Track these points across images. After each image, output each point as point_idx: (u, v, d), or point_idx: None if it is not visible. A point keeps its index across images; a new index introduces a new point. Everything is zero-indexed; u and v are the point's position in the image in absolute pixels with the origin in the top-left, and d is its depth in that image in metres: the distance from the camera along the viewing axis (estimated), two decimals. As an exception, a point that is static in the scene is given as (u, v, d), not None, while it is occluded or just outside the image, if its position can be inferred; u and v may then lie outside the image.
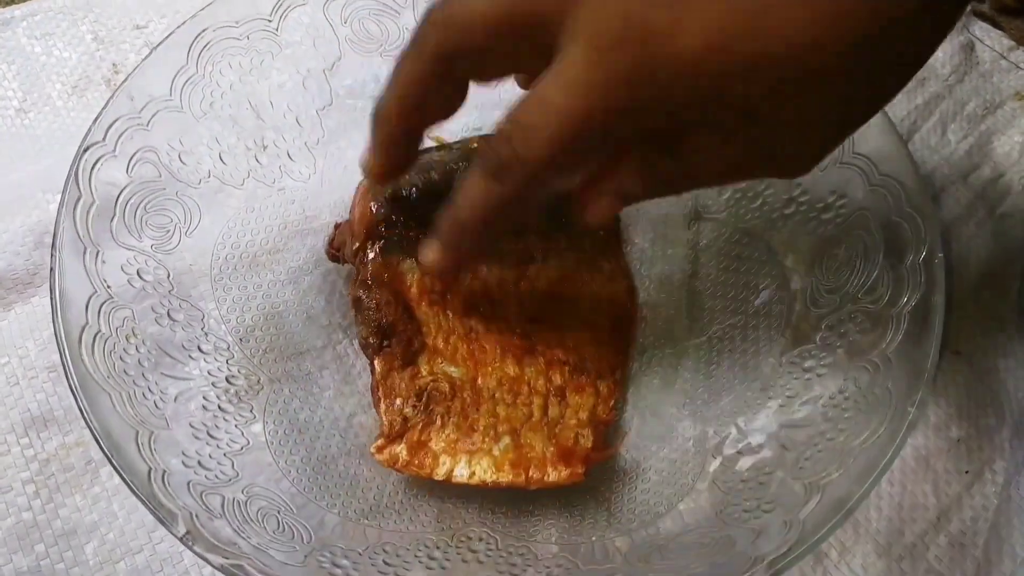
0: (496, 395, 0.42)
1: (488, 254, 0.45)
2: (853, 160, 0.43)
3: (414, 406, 0.41)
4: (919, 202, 0.40)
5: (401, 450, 0.40)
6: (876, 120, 0.41)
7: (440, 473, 0.40)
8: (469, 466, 0.40)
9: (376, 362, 0.42)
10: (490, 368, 0.43)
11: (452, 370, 0.43)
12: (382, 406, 0.41)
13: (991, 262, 0.51)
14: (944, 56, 0.58)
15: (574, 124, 0.27)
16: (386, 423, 0.41)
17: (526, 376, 0.43)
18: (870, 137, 0.42)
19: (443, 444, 0.40)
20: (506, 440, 0.41)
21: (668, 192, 0.33)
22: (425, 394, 0.42)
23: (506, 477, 0.40)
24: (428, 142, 0.48)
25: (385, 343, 0.42)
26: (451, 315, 0.44)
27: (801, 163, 0.31)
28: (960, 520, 0.43)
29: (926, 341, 0.37)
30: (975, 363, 0.48)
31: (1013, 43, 0.59)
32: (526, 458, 0.40)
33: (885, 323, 0.39)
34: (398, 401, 0.41)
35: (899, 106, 0.56)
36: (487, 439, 0.41)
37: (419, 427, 0.41)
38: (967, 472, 0.45)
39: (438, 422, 0.41)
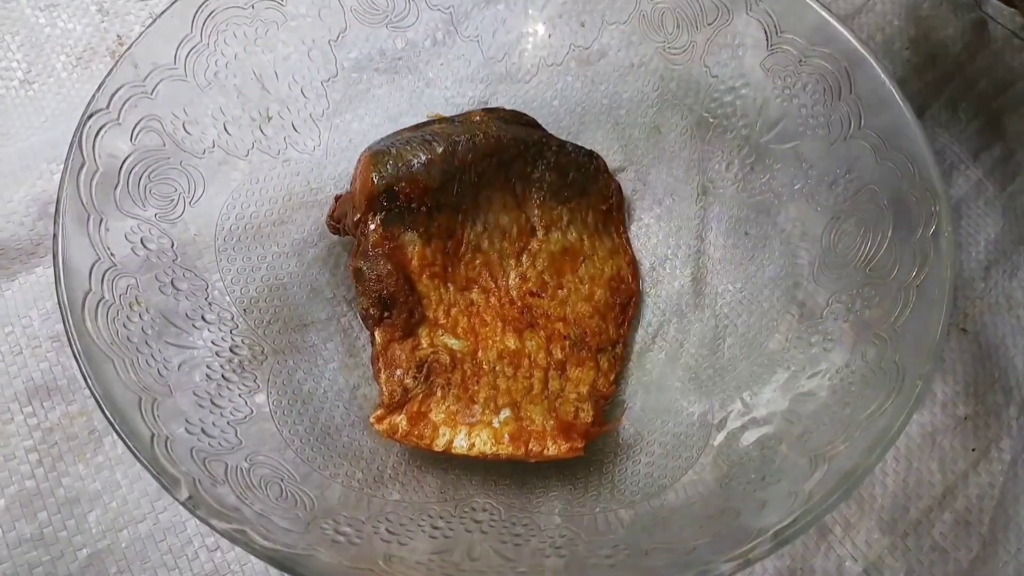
0: (496, 368, 0.42)
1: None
2: (863, 134, 0.42)
3: (414, 377, 0.41)
4: (929, 177, 0.39)
5: (401, 420, 0.40)
6: (887, 94, 0.41)
7: (440, 444, 0.40)
8: (469, 438, 0.40)
9: (377, 333, 0.42)
10: (490, 341, 0.43)
11: (453, 342, 0.42)
12: (382, 376, 0.41)
13: (1000, 240, 0.51)
14: (956, 33, 0.57)
15: None
16: (386, 393, 0.41)
17: (527, 349, 0.43)
18: (881, 111, 0.41)
19: (443, 415, 0.40)
20: (506, 413, 0.41)
21: None
22: (425, 366, 0.41)
23: (506, 449, 0.40)
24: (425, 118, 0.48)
25: (386, 314, 0.42)
26: (452, 287, 0.44)
27: None
28: (966, 497, 0.43)
29: (934, 315, 0.36)
30: (983, 341, 0.47)
31: (1026, 21, 0.58)
32: (526, 431, 0.40)
33: (894, 297, 0.38)
34: (398, 372, 0.41)
35: (910, 83, 0.56)
36: (487, 411, 0.41)
37: (419, 398, 0.41)
38: (974, 450, 0.44)
39: (438, 393, 0.41)
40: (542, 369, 0.43)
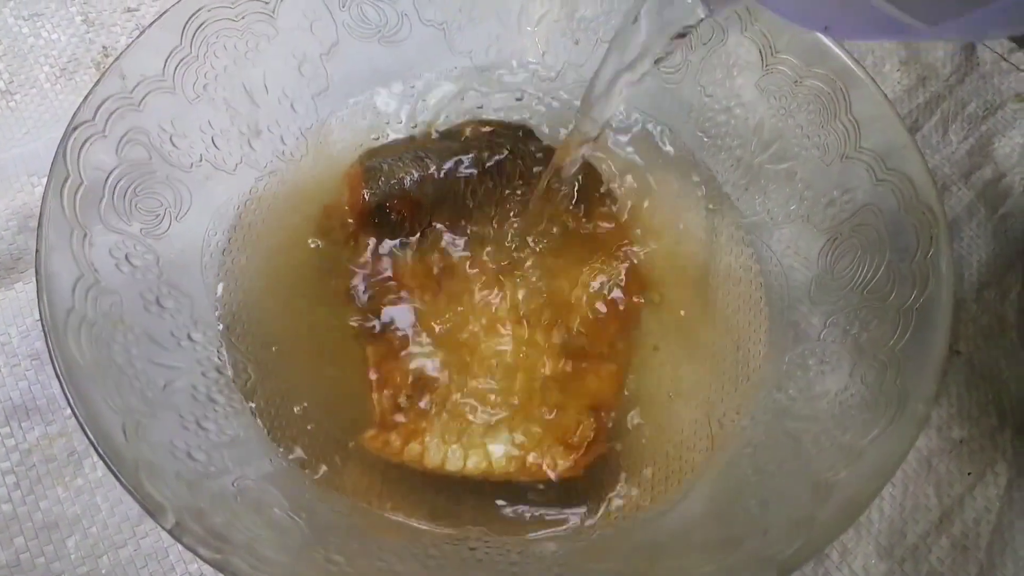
0: (492, 384, 0.41)
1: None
2: (859, 154, 0.42)
3: (408, 395, 0.40)
4: (927, 197, 0.39)
5: (394, 439, 0.39)
6: (883, 114, 0.41)
7: (434, 463, 0.39)
8: (463, 456, 0.39)
9: (369, 350, 0.41)
10: (486, 355, 0.42)
11: (447, 358, 0.42)
12: (375, 394, 0.40)
13: (992, 262, 0.51)
14: (945, 56, 0.58)
15: None
16: (379, 411, 0.40)
17: (524, 364, 0.42)
18: (877, 131, 0.41)
19: (437, 433, 0.39)
20: (502, 430, 0.40)
21: None
22: (419, 382, 0.40)
23: (501, 467, 0.39)
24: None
25: (378, 330, 0.41)
26: (446, 302, 0.43)
27: None
28: (962, 522, 0.43)
29: (935, 338, 0.36)
30: (976, 363, 0.47)
31: (1014, 45, 0.59)
32: (522, 449, 0.39)
33: (892, 320, 0.38)
34: (392, 389, 0.40)
35: (900, 105, 0.56)
36: (482, 428, 0.40)
37: (413, 415, 0.40)
38: (969, 473, 0.44)
39: (432, 410, 0.40)
40: (540, 384, 0.42)
